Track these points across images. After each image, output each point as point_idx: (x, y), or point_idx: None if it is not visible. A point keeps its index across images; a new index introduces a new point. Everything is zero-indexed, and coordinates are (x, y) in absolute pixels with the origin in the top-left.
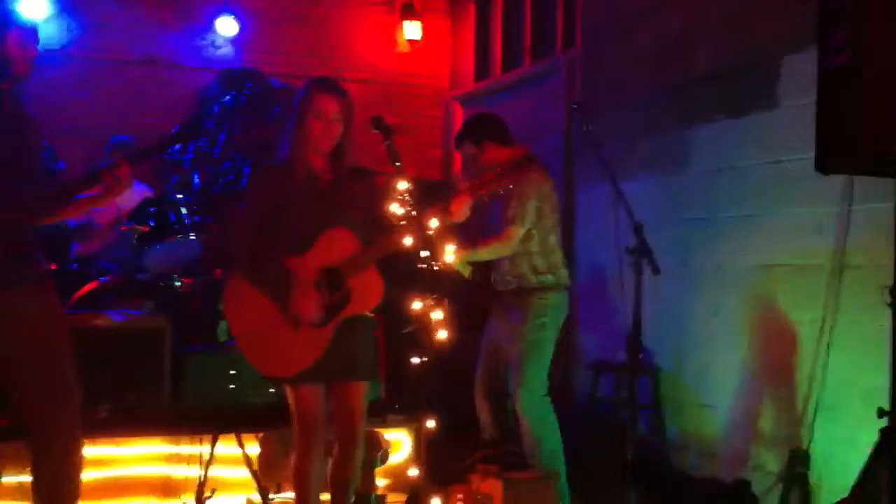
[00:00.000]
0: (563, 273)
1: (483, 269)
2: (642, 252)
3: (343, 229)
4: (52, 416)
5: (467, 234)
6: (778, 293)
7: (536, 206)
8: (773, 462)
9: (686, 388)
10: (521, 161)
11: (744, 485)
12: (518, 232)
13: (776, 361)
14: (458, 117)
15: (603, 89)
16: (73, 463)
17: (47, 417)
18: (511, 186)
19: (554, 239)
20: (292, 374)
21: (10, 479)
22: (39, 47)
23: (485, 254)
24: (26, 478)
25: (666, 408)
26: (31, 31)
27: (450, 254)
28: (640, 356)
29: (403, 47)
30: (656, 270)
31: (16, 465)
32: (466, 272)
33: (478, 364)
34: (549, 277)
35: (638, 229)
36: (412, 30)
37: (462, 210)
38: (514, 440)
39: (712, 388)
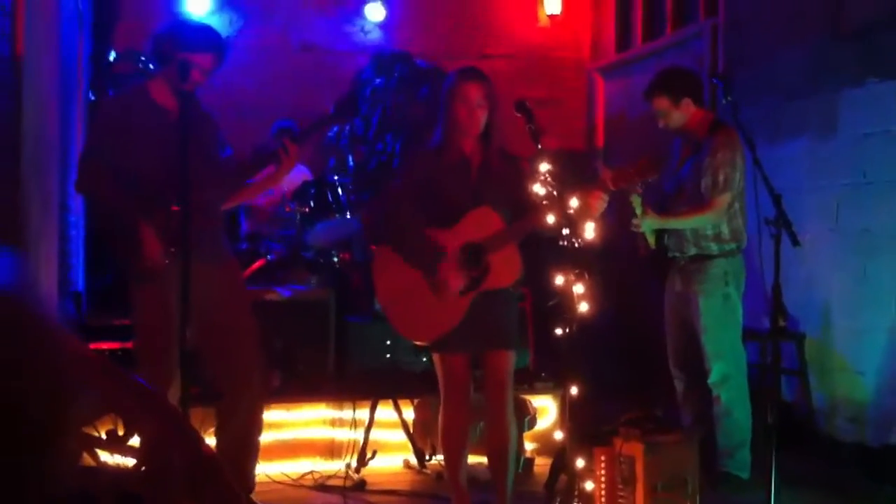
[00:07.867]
0: (744, 237)
1: (661, 235)
2: (781, 223)
3: (487, 208)
4: (241, 383)
5: (657, 196)
6: None
7: (741, 172)
8: None
9: (833, 354)
10: (720, 124)
11: (892, 450)
12: (727, 200)
13: None
14: (600, 88)
15: (746, 54)
16: (256, 425)
17: (237, 384)
18: (718, 153)
19: (740, 203)
20: (431, 340)
21: None
22: (220, 62)
23: (690, 223)
24: (207, 439)
25: (812, 373)
26: (220, 54)
27: (643, 219)
28: (785, 323)
29: (544, 22)
30: (795, 242)
31: (198, 427)
32: (652, 240)
33: (668, 338)
34: (732, 245)
35: (776, 200)
36: (552, 4)
37: (598, 206)
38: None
39: (860, 354)
